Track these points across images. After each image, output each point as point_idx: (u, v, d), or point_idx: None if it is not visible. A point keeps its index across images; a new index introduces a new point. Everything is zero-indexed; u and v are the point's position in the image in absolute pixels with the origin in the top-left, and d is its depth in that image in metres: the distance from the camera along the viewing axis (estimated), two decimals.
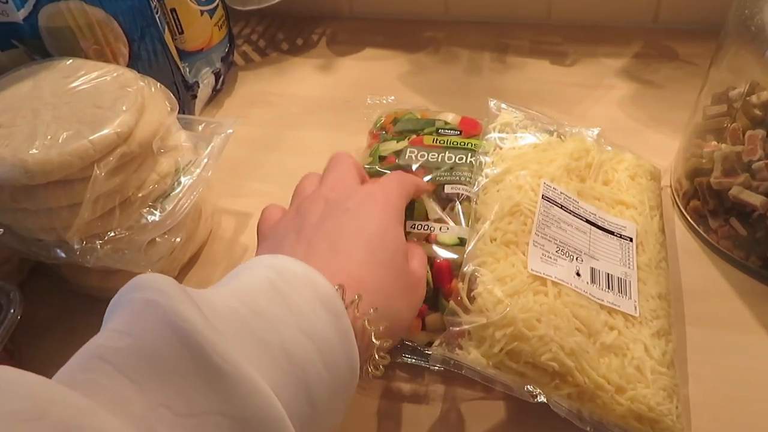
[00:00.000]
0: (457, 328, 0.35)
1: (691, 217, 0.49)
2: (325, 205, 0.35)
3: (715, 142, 0.46)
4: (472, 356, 0.35)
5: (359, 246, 0.32)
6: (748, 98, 0.43)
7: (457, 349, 0.35)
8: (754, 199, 0.42)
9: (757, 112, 0.43)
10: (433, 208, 0.42)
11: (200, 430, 0.22)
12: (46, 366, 0.42)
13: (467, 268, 0.37)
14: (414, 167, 0.45)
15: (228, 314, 0.26)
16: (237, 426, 0.22)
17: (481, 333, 0.35)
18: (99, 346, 0.24)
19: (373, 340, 0.30)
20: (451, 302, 0.37)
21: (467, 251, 0.38)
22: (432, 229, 0.41)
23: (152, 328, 0.23)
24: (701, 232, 0.48)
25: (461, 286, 0.37)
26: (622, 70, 0.67)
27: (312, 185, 0.38)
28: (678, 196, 0.51)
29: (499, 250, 0.38)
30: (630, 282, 0.39)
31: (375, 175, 0.44)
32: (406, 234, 0.41)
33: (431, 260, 0.39)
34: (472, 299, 0.36)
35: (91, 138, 0.38)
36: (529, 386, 0.34)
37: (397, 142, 0.48)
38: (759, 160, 0.42)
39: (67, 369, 0.24)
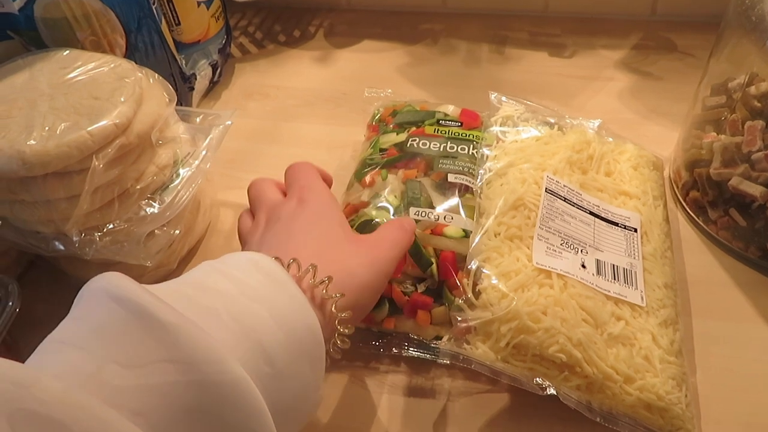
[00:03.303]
0: (464, 324, 0.35)
1: (690, 208, 0.49)
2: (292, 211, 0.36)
3: (715, 133, 0.46)
4: (480, 351, 0.35)
5: (298, 239, 0.34)
6: (747, 89, 0.44)
7: (465, 344, 0.35)
8: (754, 189, 0.43)
9: (757, 103, 0.43)
10: (438, 198, 0.42)
11: (149, 377, 0.23)
12: None
13: (472, 265, 0.37)
14: (425, 156, 0.45)
15: (171, 291, 0.27)
16: (184, 369, 0.23)
17: (487, 328, 0.35)
18: (53, 332, 0.26)
19: (325, 294, 0.30)
20: (457, 299, 0.36)
21: (472, 246, 0.38)
22: (437, 218, 0.40)
23: (98, 304, 0.25)
24: (700, 222, 0.48)
25: (466, 282, 0.36)
26: (620, 62, 0.67)
27: (268, 192, 0.39)
28: (677, 187, 0.51)
29: (503, 245, 0.38)
30: (636, 272, 0.39)
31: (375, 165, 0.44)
32: None
33: (436, 252, 0.39)
34: (477, 294, 0.36)
35: (89, 129, 0.37)
36: (538, 379, 0.34)
37: (397, 134, 0.48)
38: (758, 150, 0.42)
39: (31, 357, 0.25)
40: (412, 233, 0.37)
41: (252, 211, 0.39)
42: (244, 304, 0.27)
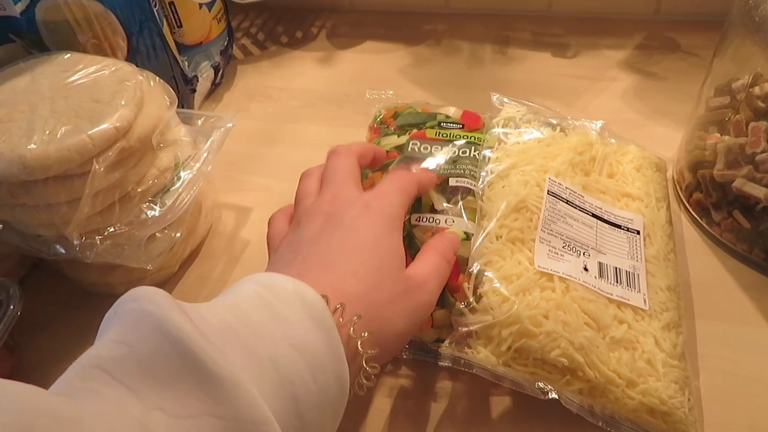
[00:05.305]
0: (465, 329, 0.35)
1: (693, 210, 0.49)
2: (323, 219, 0.35)
3: (718, 134, 0.46)
4: (481, 355, 0.34)
5: (347, 260, 0.32)
6: (751, 90, 0.43)
7: (466, 348, 0.35)
8: (758, 191, 0.42)
9: (761, 103, 0.43)
10: (440, 201, 0.41)
11: (195, 430, 0.23)
12: (45, 362, 0.43)
13: (474, 268, 0.37)
14: (426, 161, 0.44)
15: (218, 324, 0.26)
16: (230, 426, 0.23)
17: (488, 332, 0.35)
18: (96, 356, 0.24)
19: (359, 348, 0.30)
20: (458, 302, 0.36)
21: (473, 249, 0.38)
22: (438, 222, 0.40)
23: (147, 336, 0.24)
24: (704, 224, 0.48)
25: (467, 286, 0.36)
26: (624, 62, 0.67)
27: (312, 187, 0.38)
28: (681, 188, 0.51)
29: (504, 248, 0.37)
30: (638, 275, 0.39)
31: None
32: (413, 227, 0.40)
33: None
34: (478, 298, 0.36)
35: (89, 133, 0.38)
36: (540, 383, 0.34)
37: (399, 136, 0.48)
38: (762, 152, 0.42)
39: (65, 378, 0.24)
40: (454, 260, 0.37)
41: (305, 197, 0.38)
42: (285, 352, 0.27)
